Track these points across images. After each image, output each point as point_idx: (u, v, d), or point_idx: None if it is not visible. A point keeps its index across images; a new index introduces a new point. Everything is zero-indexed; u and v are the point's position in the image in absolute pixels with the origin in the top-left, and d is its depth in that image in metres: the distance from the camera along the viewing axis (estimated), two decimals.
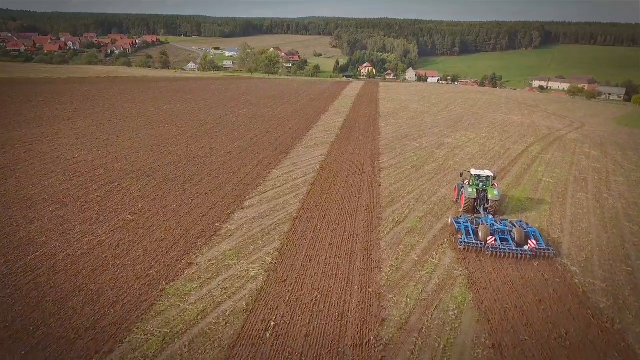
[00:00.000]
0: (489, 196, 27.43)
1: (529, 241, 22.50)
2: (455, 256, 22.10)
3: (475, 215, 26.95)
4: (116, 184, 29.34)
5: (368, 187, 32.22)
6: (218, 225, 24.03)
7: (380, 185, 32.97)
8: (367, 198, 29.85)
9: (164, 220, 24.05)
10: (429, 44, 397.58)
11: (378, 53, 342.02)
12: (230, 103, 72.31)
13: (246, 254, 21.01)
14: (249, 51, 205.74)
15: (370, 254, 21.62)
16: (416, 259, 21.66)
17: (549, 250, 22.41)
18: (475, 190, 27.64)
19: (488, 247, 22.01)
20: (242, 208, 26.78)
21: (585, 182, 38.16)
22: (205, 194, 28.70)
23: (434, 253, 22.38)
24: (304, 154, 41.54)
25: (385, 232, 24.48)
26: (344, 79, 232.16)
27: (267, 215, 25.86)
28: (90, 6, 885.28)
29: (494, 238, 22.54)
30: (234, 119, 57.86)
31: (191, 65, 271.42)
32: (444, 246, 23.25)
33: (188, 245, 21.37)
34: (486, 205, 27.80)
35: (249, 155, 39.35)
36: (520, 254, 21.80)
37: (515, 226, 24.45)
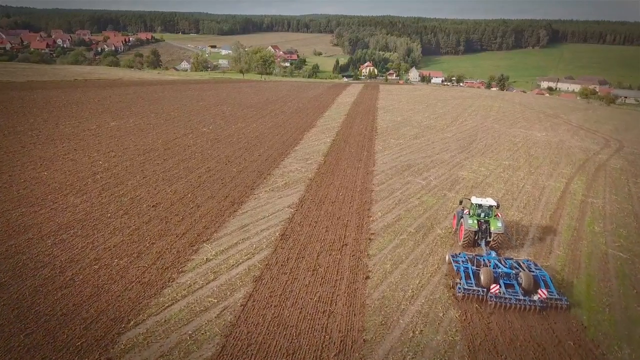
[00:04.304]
0: (492, 228, 24.28)
1: (540, 290, 19.54)
2: None
3: (476, 254, 23.36)
4: None
5: (347, 286, 20.08)
6: None
7: (367, 278, 20.89)
8: (342, 317, 17.74)
9: None
10: (433, 42, 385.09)
11: (380, 52, 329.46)
12: (198, 116, 60.11)
13: None
14: (242, 50, 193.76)
15: None
16: None
17: (561, 300, 19.38)
18: (476, 221, 24.40)
19: (491, 297, 19.26)
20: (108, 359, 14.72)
21: None
22: (61, 315, 16.60)
23: None
24: (264, 206, 29.45)
25: None
26: (344, 79, 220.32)
27: None
28: (91, 4, 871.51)
29: (498, 286, 19.73)
30: (191, 141, 45.74)
31: (184, 65, 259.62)
32: None
33: None
34: (488, 239, 24.60)
35: (181, 212, 27.24)
36: (529, 305, 18.99)
37: (522, 268, 21.43)
